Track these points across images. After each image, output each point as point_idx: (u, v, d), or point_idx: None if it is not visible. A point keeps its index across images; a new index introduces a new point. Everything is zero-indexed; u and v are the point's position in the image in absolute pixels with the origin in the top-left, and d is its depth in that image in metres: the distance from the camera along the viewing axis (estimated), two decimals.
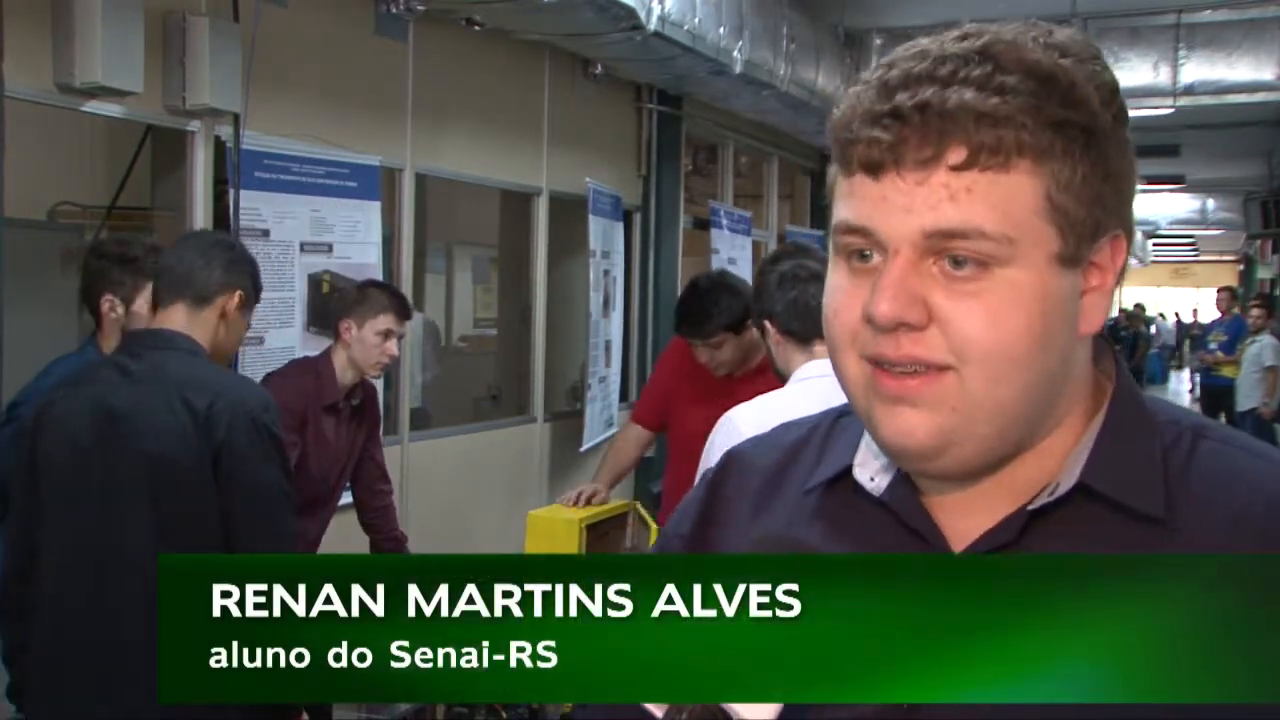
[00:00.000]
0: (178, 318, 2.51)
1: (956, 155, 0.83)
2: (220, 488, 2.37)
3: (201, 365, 2.47)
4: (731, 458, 1.08)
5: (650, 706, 0.78)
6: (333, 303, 3.91)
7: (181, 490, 2.36)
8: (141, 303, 3.49)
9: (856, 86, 0.89)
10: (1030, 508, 0.88)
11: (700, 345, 3.95)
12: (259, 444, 2.41)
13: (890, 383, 0.86)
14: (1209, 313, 26.34)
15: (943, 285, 0.85)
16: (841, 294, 0.89)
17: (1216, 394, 12.25)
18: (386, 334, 3.68)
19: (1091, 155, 0.85)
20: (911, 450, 0.87)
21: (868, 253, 0.87)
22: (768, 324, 2.78)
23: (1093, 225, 0.86)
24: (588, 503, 4.04)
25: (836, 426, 1.02)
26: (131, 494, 2.35)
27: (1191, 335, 23.25)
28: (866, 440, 0.96)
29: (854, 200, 0.87)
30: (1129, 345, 19.97)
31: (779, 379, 2.80)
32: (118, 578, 2.35)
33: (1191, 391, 20.88)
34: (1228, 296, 13.78)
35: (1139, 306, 25.54)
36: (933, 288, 0.85)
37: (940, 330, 0.85)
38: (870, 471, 0.95)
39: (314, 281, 4.99)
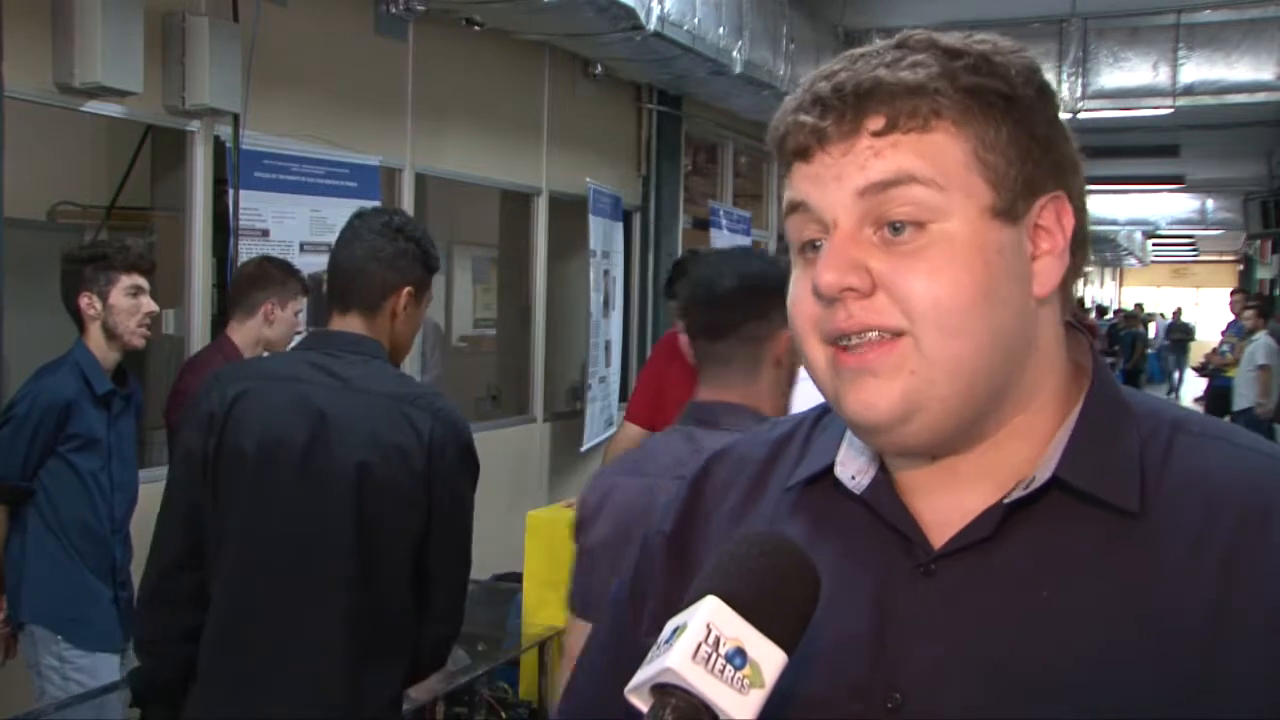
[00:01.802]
0: (356, 324, 2.45)
1: (875, 123, 0.87)
2: (434, 510, 2.36)
3: (406, 380, 2.48)
4: (715, 457, 1.08)
5: (635, 700, 0.79)
6: (248, 282, 3.92)
7: (391, 506, 2.32)
8: (117, 294, 3.50)
9: (789, 95, 0.93)
10: (1007, 501, 0.88)
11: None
12: (468, 467, 2.45)
13: (849, 359, 0.88)
14: (1191, 313, 26.39)
15: (882, 250, 0.87)
16: (798, 285, 0.92)
17: (1221, 395, 12.27)
18: (296, 312, 3.89)
19: (1014, 117, 0.88)
20: (875, 421, 0.88)
21: (818, 242, 0.90)
22: None
23: (1025, 182, 0.88)
24: None
25: (819, 425, 1.03)
26: (336, 501, 2.31)
27: (1173, 339, 23.21)
28: (849, 438, 0.96)
29: (793, 183, 0.91)
30: (1128, 345, 19.97)
31: None
32: (306, 585, 2.32)
33: (1170, 392, 20.89)
34: (1242, 299, 13.79)
35: (1138, 306, 25.56)
36: (873, 254, 0.87)
37: (886, 294, 0.86)
38: (851, 470, 0.96)
39: (314, 281, 5.00)
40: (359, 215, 2.58)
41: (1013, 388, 0.89)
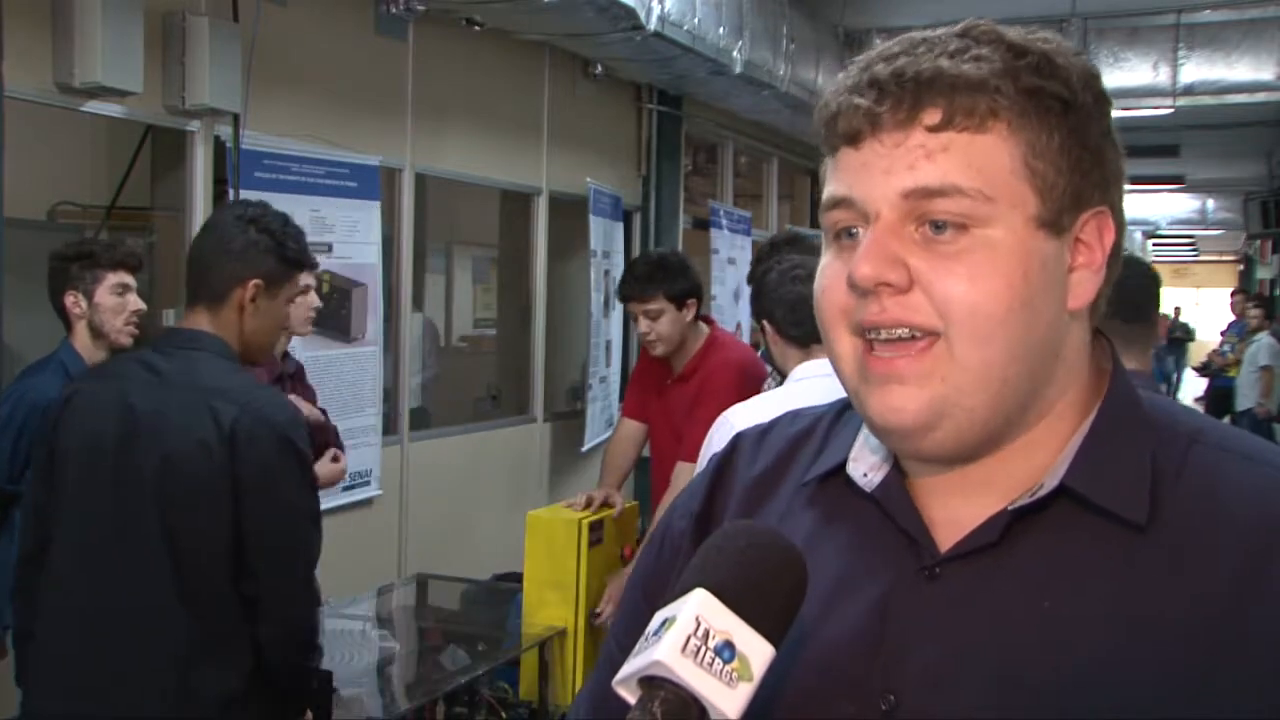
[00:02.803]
0: (201, 318, 2.43)
1: (932, 117, 0.85)
2: (244, 505, 2.31)
3: (230, 373, 2.40)
4: (740, 441, 1.08)
5: (623, 692, 0.79)
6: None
7: (196, 500, 2.30)
8: (103, 293, 3.49)
9: (841, 73, 0.92)
10: (1012, 507, 0.87)
11: (640, 312, 3.99)
12: (286, 460, 2.34)
13: (879, 364, 0.87)
14: (1191, 313, 26.29)
15: (923, 248, 0.86)
16: (830, 271, 0.91)
17: (1222, 395, 12.27)
18: (305, 289, 3.74)
19: (1070, 124, 0.87)
20: (900, 426, 0.87)
21: (855, 230, 0.89)
22: (766, 324, 2.79)
23: (1073, 193, 0.87)
24: (600, 508, 4.06)
25: (840, 420, 1.02)
26: (144, 497, 2.31)
27: (1172, 338, 23.16)
28: (864, 435, 0.96)
29: (838, 174, 0.90)
30: None
31: (779, 375, 2.81)
32: (121, 581, 2.33)
33: (1170, 393, 20.87)
34: (1242, 299, 13.79)
35: None
36: (913, 250, 0.86)
37: (923, 292, 0.85)
38: (864, 467, 0.95)
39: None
40: (220, 207, 2.56)
41: (1038, 398, 0.89)
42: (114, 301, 3.51)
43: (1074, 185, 0.87)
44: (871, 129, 0.86)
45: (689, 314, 4.01)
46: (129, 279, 3.55)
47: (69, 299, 3.49)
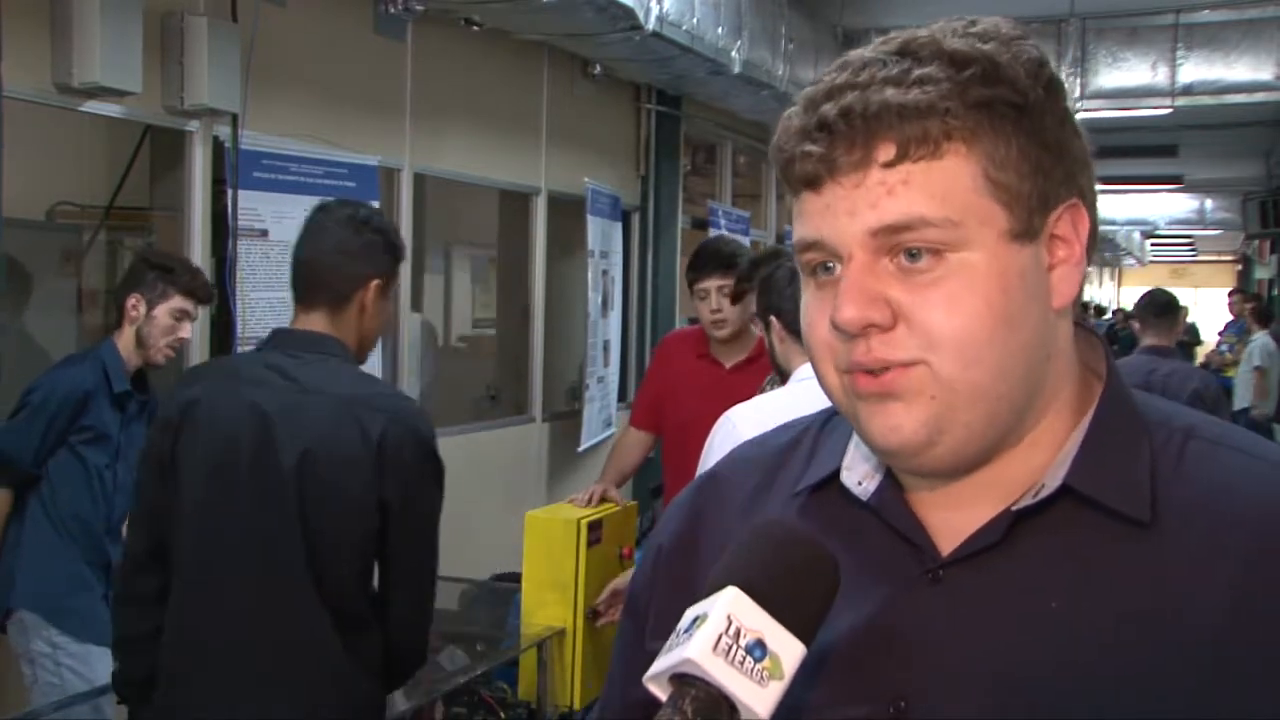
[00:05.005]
0: (319, 320, 2.43)
1: (886, 152, 0.84)
2: (389, 517, 2.30)
3: (366, 380, 2.42)
4: (729, 456, 1.08)
5: (654, 688, 0.79)
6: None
7: (334, 509, 2.29)
8: (163, 310, 3.57)
9: (789, 109, 0.91)
10: (1015, 508, 0.87)
11: (714, 291, 4.01)
12: (429, 475, 2.36)
13: (869, 381, 0.87)
14: (1189, 313, 26.28)
15: (901, 280, 0.85)
16: (813, 310, 0.90)
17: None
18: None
19: (1025, 128, 0.86)
20: (900, 446, 0.87)
21: (830, 265, 0.88)
22: (773, 320, 2.77)
23: (1040, 196, 0.86)
24: (600, 503, 4.08)
25: (826, 429, 1.02)
26: (283, 506, 2.28)
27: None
28: (855, 442, 0.95)
29: (804, 217, 0.89)
30: (1126, 345, 19.98)
31: (780, 375, 2.80)
32: (263, 580, 2.31)
33: None
34: (1240, 299, 13.82)
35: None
36: (891, 284, 0.85)
37: (906, 326, 0.85)
38: (858, 475, 0.95)
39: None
40: (321, 208, 2.53)
41: (1035, 401, 0.89)
42: (168, 323, 3.60)
43: (1039, 188, 0.86)
44: (829, 173, 0.86)
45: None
46: (192, 309, 3.65)
47: (131, 299, 3.57)
